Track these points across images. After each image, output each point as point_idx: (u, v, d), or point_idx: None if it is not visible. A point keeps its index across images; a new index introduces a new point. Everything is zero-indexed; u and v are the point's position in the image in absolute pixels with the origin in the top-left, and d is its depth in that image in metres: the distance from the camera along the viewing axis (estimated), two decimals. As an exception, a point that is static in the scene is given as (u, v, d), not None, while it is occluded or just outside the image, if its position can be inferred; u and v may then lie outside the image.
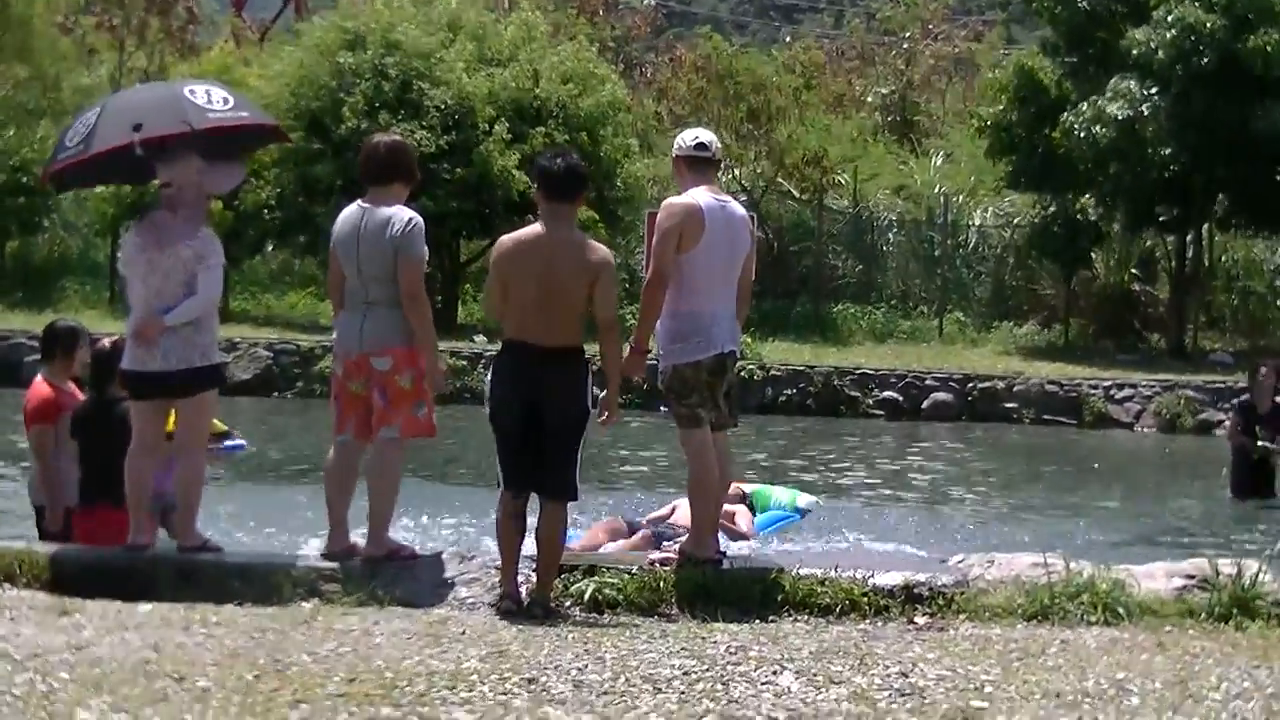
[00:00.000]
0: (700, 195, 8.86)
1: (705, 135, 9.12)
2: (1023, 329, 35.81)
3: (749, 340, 30.66)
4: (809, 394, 28.41)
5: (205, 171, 9.33)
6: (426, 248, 8.86)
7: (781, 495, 13.83)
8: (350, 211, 8.95)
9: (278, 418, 23.94)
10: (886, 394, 28.59)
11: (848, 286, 37.68)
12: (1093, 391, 28.58)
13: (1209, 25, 30.56)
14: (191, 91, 9.65)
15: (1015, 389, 28.63)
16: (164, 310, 9.00)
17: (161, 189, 9.30)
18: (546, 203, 8.43)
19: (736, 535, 12.12)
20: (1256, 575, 8.12)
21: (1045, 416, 28.21)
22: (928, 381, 28.84)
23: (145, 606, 7.80)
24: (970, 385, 28.75)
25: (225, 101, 9.67)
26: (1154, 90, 31.09)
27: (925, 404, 28.43)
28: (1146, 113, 31.04)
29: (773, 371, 28.71)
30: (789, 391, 28.37)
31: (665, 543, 9.12)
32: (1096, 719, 5.95)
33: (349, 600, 8.21)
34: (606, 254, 8.45)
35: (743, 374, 28.09)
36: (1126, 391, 28.58)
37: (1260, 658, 7.03)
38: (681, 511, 12.89)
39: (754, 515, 13.12)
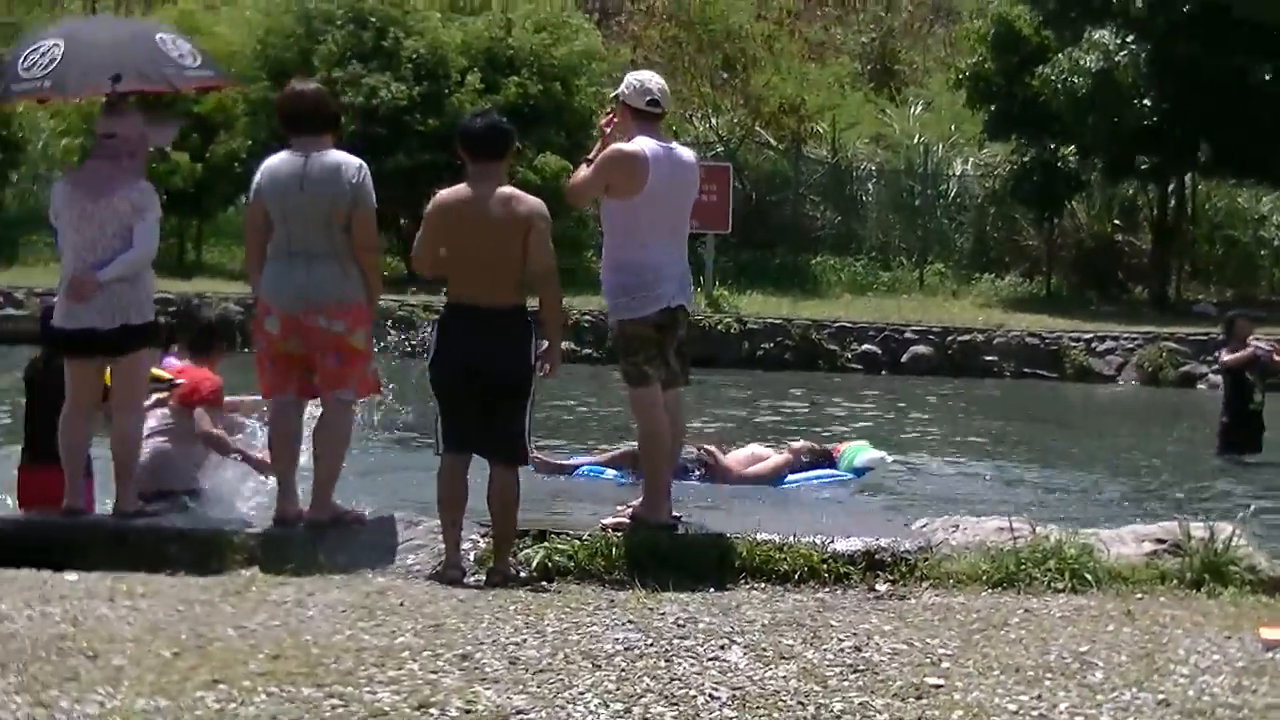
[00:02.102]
0: (645, 143, 8.56)
1: (655, 86, 8.75)
2: (1004, 280, 35.52)
3: (726, 293, 30.48)
4: (786, 348, 28.18)
5: (148, 124, 9.04)
6: None
7: (868, 454, 13.75)
8: (284, 158, 8.57)
9: (250, 373, 23.56)
10: (865, 347, 28.37)
11: (827, 238, 37.34)
12: (1074, 344, 28.37)
13: (1187, -32, 30.22)
14: (162, 40, 9.30)
15: (995, 342, 28.44)
16: (98, 265, 8.69)
17: (102, 139, 8.97)
18: (472, 163, 8.21)
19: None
20: (1229, 540, 7.88)
21: (1026, 370, 28.04)
22: (907, 334, 28.64)
23: (72, 576, 7.51)
24: (950, 338, 28.55)
25: (195, 57, 9.34)
26: (1131, 39, 30.77)
27: (904, 357, 28.24)
28: (1124, 62, 30.72)
29: (749, 325, 28.46)
30: (766, 345, 28.13)
31: (619, 506, 8.80)
32: (1057, 695, 5.68)
33: (289, 569, 7.93)
34: (536, 204, 8.16)
35: (720, 328, 27.97)
36: (1108, 344, 28.38)
37: (1231, 628, 6.77)
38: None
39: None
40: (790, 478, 13.19)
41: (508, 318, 7.99)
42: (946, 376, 27.32)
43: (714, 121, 37.62)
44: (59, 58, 8.93)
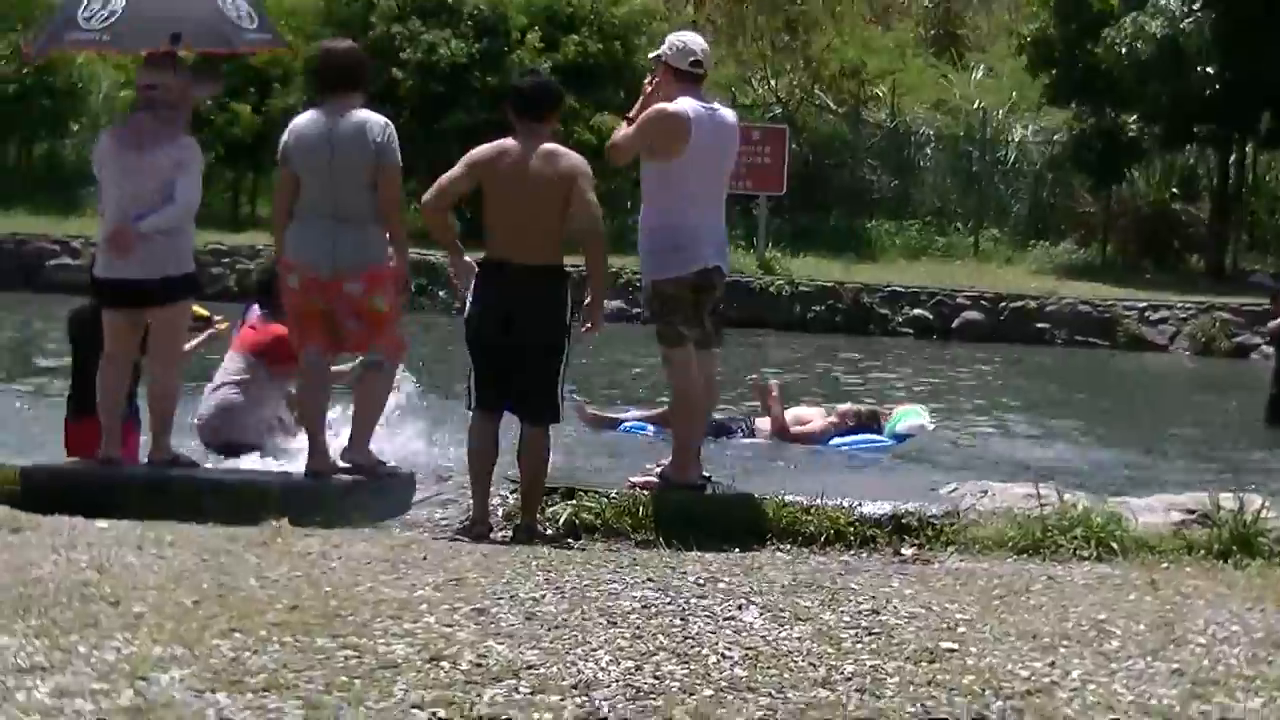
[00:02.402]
0: (688, 103, 8.53)
1: (698, 47, 8.73)
2: (1059, 247, 35.28)
3: (778, 255, 30.41)
4: (838, 310, 28.11)
5: (191, 78, 9.05)
6: None
7: (912, 420, 13.80)
8: (312, 118, 8.62)
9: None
10: (916, 312, 28.27)
11: (883, 202, 37.17)
12: (1127, 313, 28.21)
13: (1256, -65, 29.86)
14: (224, 2, 9.24)
15: (1048, 309, 28.31)
16: (139, 217, 8.73)
17: (143, 90, 9.00)
18: (518, 121, 8.19)
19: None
20: (1259, 511, 7.81)
21: (1078, 338, 27.92)
22: (959, 300, 28.54)
23: (103, 523, 7.56)
24: (1002, 304, 28.43)
25: (252, 18, 9.31)
26: (1197, 5, 30.46)
27: (956, 323, 28.12)
28: (1188, 29, 30.42)
29: (801, 288, 28.41)
30: (817, 308, 28.08)
31: (649, 465, 8.83)
32: (1071, 662, 5.64)
33: (317, 521, 7.97)
34: (578, 160, 8.17)
35: (771, 290, 27.92)
36: (1161, 313, 28.21)
37: (1254, 599, 6.71)
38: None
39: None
40: (834, 441, 13.21)
41: (544, 275, 8.00)
42: (998, 343, 27.20)
43: (773, 83, 37.47)
44: (119, 11, 8.89)
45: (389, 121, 8.57)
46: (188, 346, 9.99)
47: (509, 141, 8.14)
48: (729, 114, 8.88)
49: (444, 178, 8.22)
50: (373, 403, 8.80)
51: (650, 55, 9.01)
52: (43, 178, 34.69)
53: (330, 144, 8.46)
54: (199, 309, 9.94)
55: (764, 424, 13.88)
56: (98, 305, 9.52)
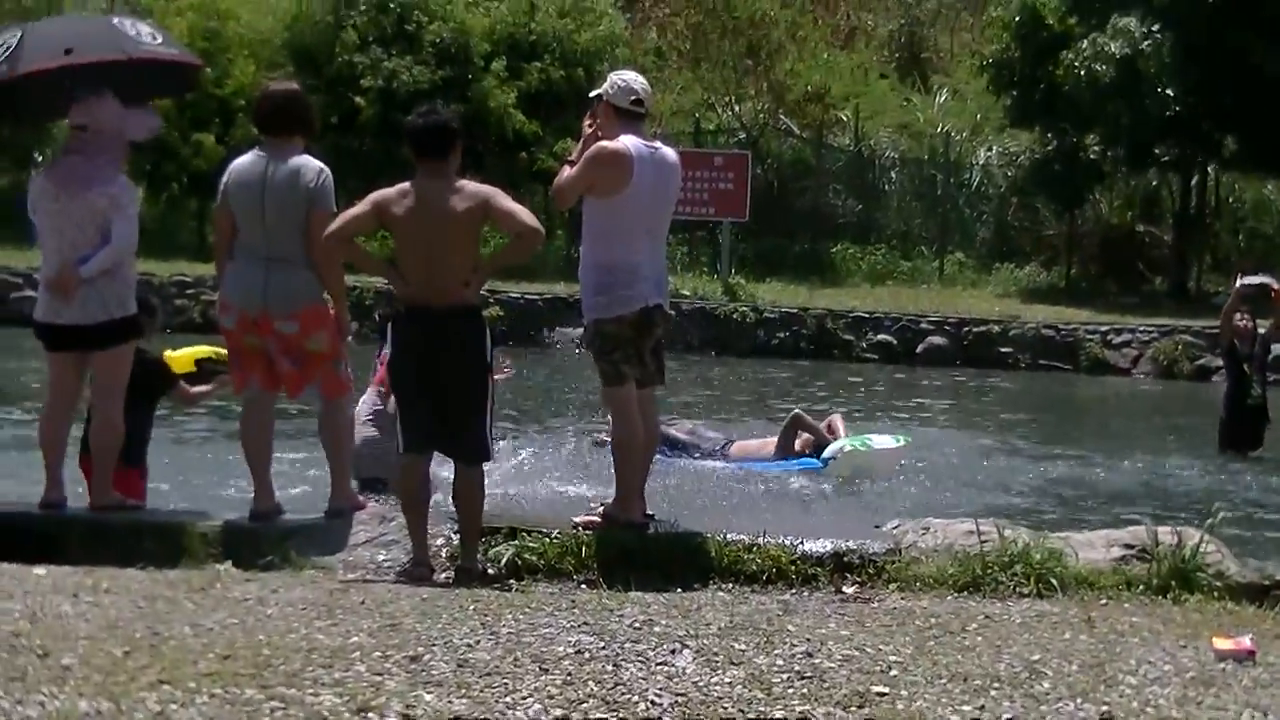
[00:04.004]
0: (629, 141, 8.54)
1: (640, 87, 8.73)
2: (1024, 270, 35.39)
3: (743, 280, 30.45)
4: (802, 336, 28.14)
5: (125, 116, 9.03)
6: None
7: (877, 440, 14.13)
8: (249, 160, 8.66)
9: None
10: (881, 337, 28.32)
11: (848, 226, 37.22)
12: (1089, 336, 28.28)
13: (1216, -43, 29.99)
14: (120, 22, 9.43)
15: (1011, 333, 28.35)
16: (80, 260, 8.73)
17: (75, 131, 8.98)
18: (419, 161, 8.14)
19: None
20: (1198, 546, 7.83)
21: (1041, 361, 27.95)
22: (922, 325, 28.59)
23: (40, 570, 7.54)
24: (965, 329, 28.47)
25: (154, 36, 9.41)
26: (1156, 27, 30.60)
27: (920, 348, 28.15)
28: (1148, 50, 30.55)
29: (765, 313, 28.43)
30: (782, 334, 28.10)
31: (592, 504, 8.83)
32: (1001, 705, 5.66)
33: (259, 565, 7.96)
34: (486, 187, 8.16)
35: (734, 315, 27.94)
36: (1124, 336, 28.29)
37: (1189, 636, 6.73)
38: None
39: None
40: (773, 463, 13.68)
41: (462, 317, 7.99)
42: (961, 367, 27.28)
43: (737, 108, 37.52)
44: (13, 46, 9.00)
45: (324, 168, 8.59)
46: (198, 390, 10.09)
47: (407, 186, 8.09)
48: (670, 153, 8.89)
49: (348, 213, 8.18)
50: (337, 447, 8.86)
51: (591, 94, 9.00)
52: (4, 208, 34.54)
53: (264, 187, 8.49)
54: (218, 351, 9.91)
55: (744, 447, 14.18)
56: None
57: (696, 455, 14.04)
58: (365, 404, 10.85)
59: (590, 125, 8.78)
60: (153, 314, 9.90)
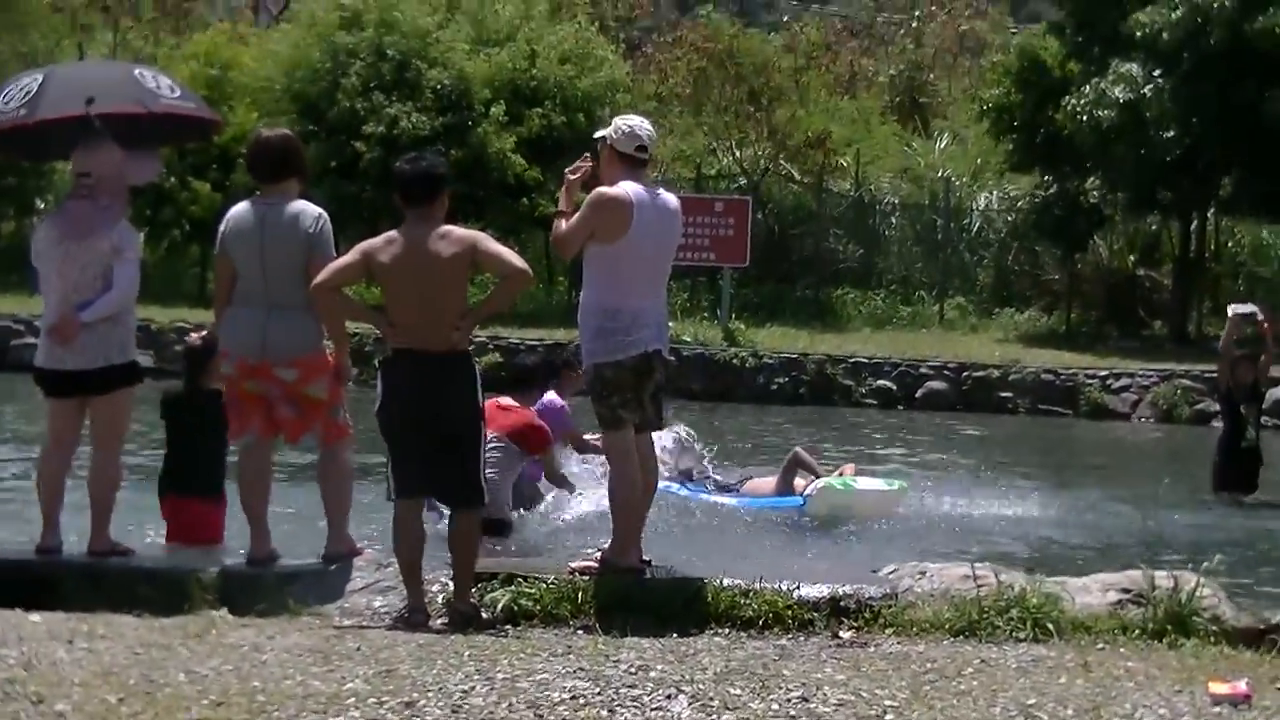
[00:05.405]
0: (630, 186, 8.57)
1: (645, 134, 8.74)
2: (1024, 315, 35.44)
3: (743, 326, 30.48)
4: (802, 382, 28.14)
5: (125, 162, 9.07)
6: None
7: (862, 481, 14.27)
8: (246, 208, 8.72)
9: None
10: (880, 383, 28.32)
11: (848, 271, 37.27)
12: (1089, 381, 28.28)
13: (1217, 4, 30.07)
14: (141, 74, 9.51)
15: (1010, 378, 28.35)
16: (81, 305, 8.76)
17: (78, 178, 9.02)
18: (405, 207, 8.16)
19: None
20: (1194, 590, 7.83)
21: (1041, 406, 27.93)
22: (922, 370, 28.59)
23: (36, 617, 7.55)
24: (965, 374, 28.47)
25: (173, 89, 9.50)
26: (1158, 72, 30.72)
27: (919, 393, 28.16)
28: (1149, 95, 30.64)
29: (765, 359, 28.44)
30: (781, 380, 28.09)
31: (589, 550, 8.82)
32: (996, 751, 5.67)
33: (255, 611, 7.96)
34: (471, 233, 8.21)
35: (734, 361, 27.95)
36: (1124, 381, 28.28)
37: (1185, 681, 6.72)
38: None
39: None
40: (749, 501, 13.89)
41: (452, 363, 8.00)
42: (960, 412, 27.27)
43: (738, 154, 37.60)
44: (35, 90, 9.07)
45: (322, 213, 8.63)
46: None
47: (395, 234, 8.11)
48: (671, 198, 8.90)
49: (335, 263, 8.23)
50: (336, 492, 8.87)
51: (596, 135, 9.02)
52: (8, 256, 34.60)
53: (262, 233, 8.54)
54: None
55: (755, 486, 14.29)
56: (190, 385, 9.91)
57: (710, 490, 14.18)
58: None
59: (573, 173, 8.82)
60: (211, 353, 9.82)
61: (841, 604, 8.03)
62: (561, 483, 12.24)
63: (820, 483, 13.72)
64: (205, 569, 8.56)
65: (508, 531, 11.41)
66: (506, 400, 11.82)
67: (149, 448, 12.40)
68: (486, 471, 10.85)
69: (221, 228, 8.75)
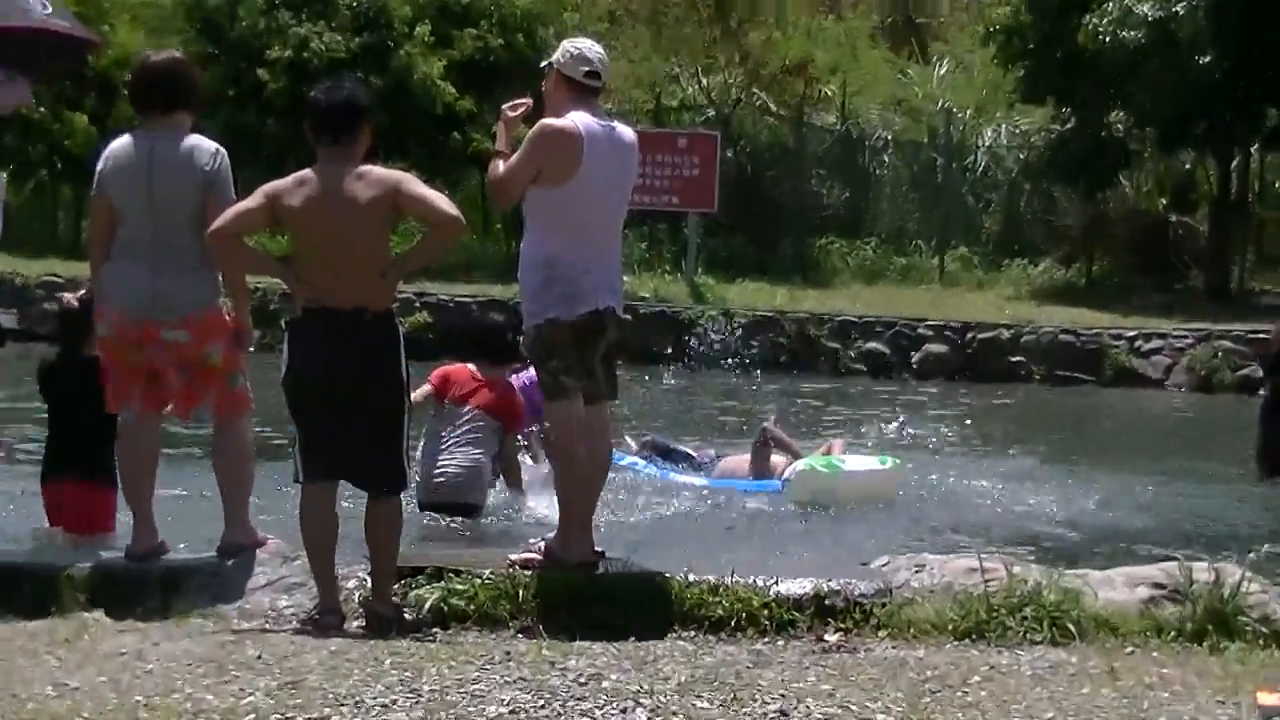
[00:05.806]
0: (580, 118, 8.49)
1: (595, 56, 8.68)
2: (1038, 268, 35.49)
3: (711, 281, 30.47)
4: (780, 346, 28.14)
5: (-11, 87, 8.99)
6: None
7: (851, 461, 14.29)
8: (129, 143, 8.61)
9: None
10: (871, 345, 28.36)
11: (833, 218, 37.30)
12: (1114, 343, 28.34)
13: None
14: None
15: (1023, 340, 28.43)
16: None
17: None
18: (318, 143, 8.05)
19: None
20: (1238, 585, 7.80)
21: (1058, 372, 28.00)
22: (920, 331, 28.67)
23: (-123, 621, 7.49)
24: (970, 336, 28.53)
25: (43, 4, 9.35)
26: (1193, -15, 30.75)
27: (916, 358, 28.22)
28: (1183, 12, 30.65)
29: (737, 319, 28.42)
30: (755, 343, 28.04)
31: (533, 540, 8.77)
32: (1008, 773, 5.63)
33: (137, 613, 7.90)
34: (393, 173, 8.10)
35: (701, 320, 27.94)
36: (1154, 343, 28.34)
37: (1228, 691, 6.70)
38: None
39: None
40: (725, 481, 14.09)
41: (372, 324, 7.91)
42: (964, 380, 27.32)
43: (704, 82, 37.59)
44: None
45: (220, 149, 8.54)
46: None
47: (307, 174, 8.00)
48: (628, 132, 8.84)
49: (235, 208, 8.12)
50: (234, 474, 8.78)
51: (542, 64, 8.96)
52: None
53: (149, 173, 8.42)
54: None
55: (728, 464, 14.47)
56: (66, 353, 9.79)
57: (682, 468, 14.43)
58: (466, 423, 11.74)
59: (513, 109, 8.75)
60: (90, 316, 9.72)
61: (827, 602, 8.01)
62: (514, 473, 12.19)
63: (801, 464, 13.69)
64: (76, 564, 8.47)
65: (476, 514, 11.72)
66: (484, 370, 12.12)
67: (17, 422, 12.35)
68: (472, 452, 11.16)
69: (100, 166, 8.65)
